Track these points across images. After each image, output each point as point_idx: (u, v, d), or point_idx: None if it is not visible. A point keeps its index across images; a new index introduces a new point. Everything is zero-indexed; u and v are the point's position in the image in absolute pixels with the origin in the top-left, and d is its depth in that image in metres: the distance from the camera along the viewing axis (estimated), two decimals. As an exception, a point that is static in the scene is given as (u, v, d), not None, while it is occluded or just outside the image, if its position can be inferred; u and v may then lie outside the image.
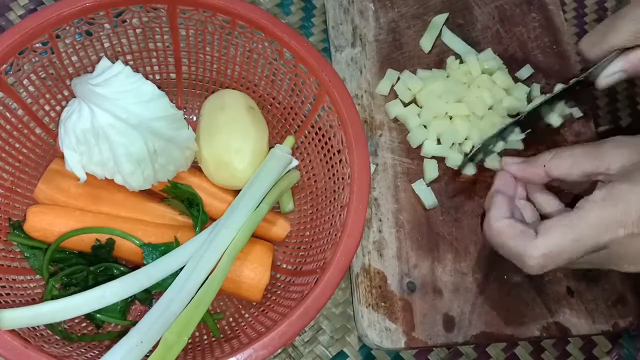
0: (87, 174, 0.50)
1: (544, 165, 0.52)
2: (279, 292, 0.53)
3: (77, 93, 0.50)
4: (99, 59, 0.54)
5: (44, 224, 0.51)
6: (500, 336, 0.57)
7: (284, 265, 0.55)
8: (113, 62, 0.50)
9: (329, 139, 0.52)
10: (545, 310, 0.58)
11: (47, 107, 0.54)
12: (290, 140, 0.56)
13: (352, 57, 0.64)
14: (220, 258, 0.48)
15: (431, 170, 0.61)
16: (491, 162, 0.62)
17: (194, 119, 0.61)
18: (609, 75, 0.54)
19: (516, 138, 0.62)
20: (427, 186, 0.61)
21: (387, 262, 0.58)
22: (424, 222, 0.59)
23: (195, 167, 0.56)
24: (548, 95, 0.60)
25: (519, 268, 0.57)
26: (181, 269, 0.48)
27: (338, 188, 0.51)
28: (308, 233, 0.55)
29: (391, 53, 0.65)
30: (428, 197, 0.60)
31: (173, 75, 0.59)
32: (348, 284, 0.59)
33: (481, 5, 0.69)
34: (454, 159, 0.61)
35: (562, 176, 0.51)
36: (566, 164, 0.50)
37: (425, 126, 0.62)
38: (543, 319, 0.57)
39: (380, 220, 0.59)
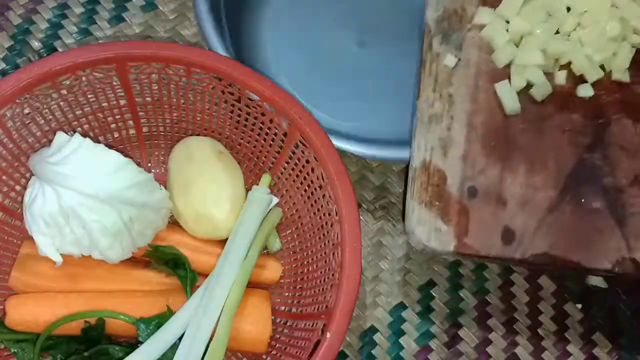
0: (62, 255, 0.47)
1: None
2: (282, 338, 0.51)
3: (38, 174, 0.47)
4: (52, 128, 0.51)
5: (26, 315, 0.49)
6: (565, 262, 0.52)
7: (282, 308, 0.54)
8: (70, 135, 0.48)
9: (307, 174, 0.51)
10: (623, 243, 0.52)
11: (5, 189, 0.51)
12: (266, 179, 0.54)
13: None
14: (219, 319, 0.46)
15: (520, 80, 0.56)
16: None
17: (162, 171, 0.58)
18: None
19: None
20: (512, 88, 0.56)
21: (450, 162, 0.54)
22: (501, 128, 0.55)
23: (175, 224, 0.54)
24: None
25: (601, 194, 0.53)
26: (180, 338, 0.46)
27: (326, 224, 0.49)
28: (301, 271, 0.53)
29: None
30: (511, 101, 0.55)
31: (132, 131, 0.56)
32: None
33: None
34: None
35: None
36: None
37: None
38: (618, 252, 0.52)
39: (451, 118, 0.55)
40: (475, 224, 0.52)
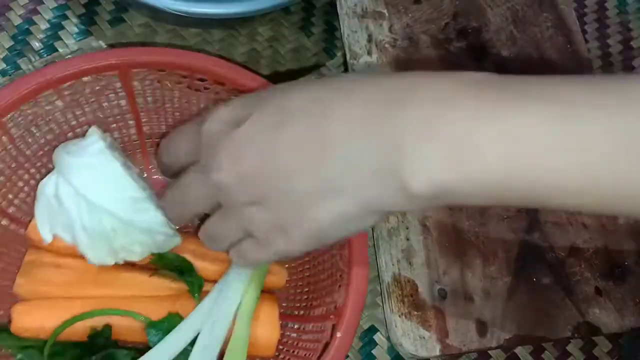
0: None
1: None
2: (290, 341, 0.51)
3: (54, 156, 0.49)
4: (55, 136, 0.52)
5: (32, 322, 0.48)
6: (533, 338, 0.57)
7: (288, 312, 0.53)
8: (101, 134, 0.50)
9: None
10: (575, 311, 0.58)
11: (10, 196, 0.51)
12: None
13: (369, 65, 0.64)
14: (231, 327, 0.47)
15: None
16: None
17: (164, 177, 0.58)
18: None
19: None
20: None
21: (417, 270, 0.57)
22: (451, 228, 0.59)
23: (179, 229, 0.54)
24: None
25: (548, 270, 0.58)
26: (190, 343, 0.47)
27: (331, 225, 0.50)
28: (307, 274, 0.53)
29: (408, 58, 0.65)
30: None
31: (135, 136, 0.56)
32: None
33: (493, 7, 0.69)
34: None
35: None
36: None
37: None
38: (574, 319, 0.58)
39: (407, 228, 0.58)
40: (452, 324, 0.56)
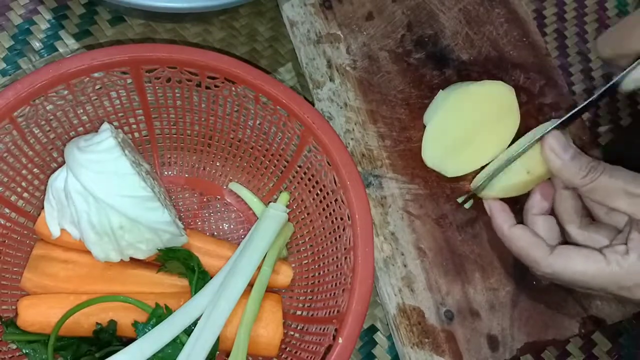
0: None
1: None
2: (294, 341, 0.51)
3: (65, 151, 0.49)
4: (65, 130, 0.52)
5: (38, 316, 0.49)
6: (544, 342, 0.56)
7: (292, 312, 0.53)
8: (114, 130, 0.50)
9: (320, 178, 0.51)
10: (579, 307, 0.57)
11: (18, 190, 0.51)
12: (284, 197, 0.54)
13: (334, 91, 0.62)
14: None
15: None
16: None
17: (174, 172, 0.59)
18: (634, 81, 0.50)
19: None
20: None
21: (420, 296, 0.56)
22: (445, 246, 0.58)
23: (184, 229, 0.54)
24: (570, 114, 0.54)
25: None
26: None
27: (338, 228, 0.49)
28: (312, 275, 0.53)
29: (370, 78, 0.63)
30: None
31: (145, 132, 0.56)
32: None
33: (445, 11, 0.67)
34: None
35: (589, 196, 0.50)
36: (598, 191, 0.48)
37: None
38: (578, 315, 0.57)
39: (402, 255, 0.57)
40: (464, 345, 0.55)
